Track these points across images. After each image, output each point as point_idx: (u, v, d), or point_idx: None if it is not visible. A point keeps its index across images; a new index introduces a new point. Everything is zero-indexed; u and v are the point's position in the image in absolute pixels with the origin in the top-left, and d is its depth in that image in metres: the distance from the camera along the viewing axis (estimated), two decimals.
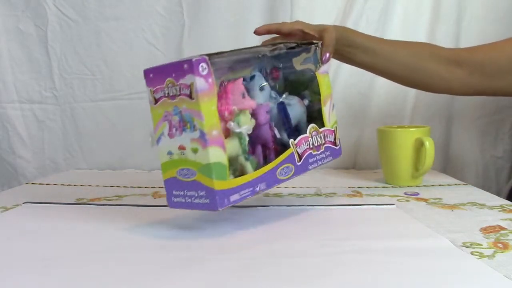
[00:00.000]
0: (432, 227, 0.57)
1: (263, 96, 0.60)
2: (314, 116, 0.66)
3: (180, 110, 0.52)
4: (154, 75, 0.54)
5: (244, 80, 0.59)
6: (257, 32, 0.73)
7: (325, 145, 0.65)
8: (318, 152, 0.64)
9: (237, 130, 0.55)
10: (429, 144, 0.77)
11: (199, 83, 0.50)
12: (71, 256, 0.50)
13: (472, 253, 0.48)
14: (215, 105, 0.52)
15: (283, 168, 0.59)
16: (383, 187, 0.82)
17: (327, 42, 0.69)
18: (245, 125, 0.56)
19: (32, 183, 0.91)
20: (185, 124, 0.52)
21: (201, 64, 0.50)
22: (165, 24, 1.04)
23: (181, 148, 0.52)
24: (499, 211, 0.64)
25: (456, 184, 0.83)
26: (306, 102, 0.66)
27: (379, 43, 0.78)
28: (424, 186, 0.81)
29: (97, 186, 0.87)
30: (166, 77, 0.52)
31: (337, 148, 0.68)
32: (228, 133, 0.55)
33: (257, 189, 0.56)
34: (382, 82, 0.96)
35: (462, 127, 1.03)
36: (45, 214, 0.67)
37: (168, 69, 0.52)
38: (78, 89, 1.07)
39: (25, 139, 1.09)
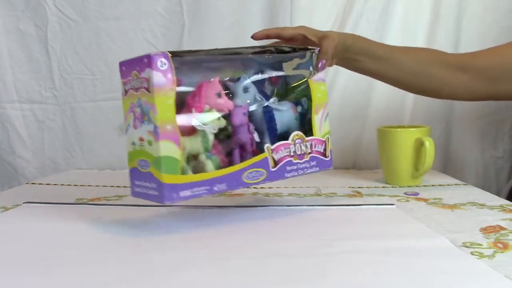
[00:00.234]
0: (432, 227, 0.57)
1: (246, 98, 0.60)
2: (306, 124, 0.65)
3: (141, 103, 0.53)
4: (125, 67, 0.56)
5: (231, 80, 0.60)
6: (254, 37, 0.71)
7: (311, 154, 0.64)
8: (301, 161, 0.62)
9: (200, 128, 0.56)
10: (429, 144, 0.77)
11: (156, 77, 0.51)
12: (71, 256, 0.50)
13: (472, 253, 0.48)
14: (172, 99, 0.53)
15: (251, 172, 0.58)
16: (383, 187, 0.82)
17: (324, 49, 0.68)
18: (210, 124, 0.57)
19: (32, 183, 0.91)
20: (143, 116, 0.53)
21: (160, 59, 0.52)
22: (165, 24, 1.04)
23: (141, 139, 0.54)
24: (499, 211, 0.64)
25: (456, 184, 0.83)
26: (299, 109, 0.65)
27: (389, 50, 0.78)
28: (424, 186, 0.81)
29: (97, 186, 0.87)
30: (132, 70, 0.54)
31: (326, 159, 0.65)
32: (192, 130, 0.56)
33: (215, 189, 0.56)
34: (382, 82, 0.96)
35: (462, 127, 1.03)
36: (45, 214, 0.67)
37: (134, 63, 0.54)
38: (78, 89, 1.07)
39: (25, 139, 1.09)
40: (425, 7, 1.00)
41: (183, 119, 0.54)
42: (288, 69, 0.66)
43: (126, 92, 0.56)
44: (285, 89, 0.66)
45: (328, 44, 0.69)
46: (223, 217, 0.64)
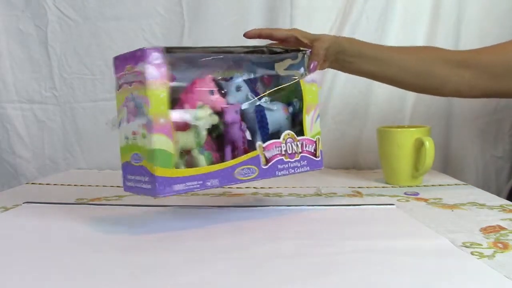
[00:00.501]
0: (432, 227, 0.57)
1: (238, 97, 0.61)
2: (297, 124, 0.65)
3: (135, 96, 0.54)
4: (119, 62, 0.56)
5: (223, 79, 0.60)
6: (246, 36, 0.72)
7: (302, 154, 0.64)
8: (292, 160, 0.63)
9: (192, 123, 0.56)
10: (429, 144, 0.77)
11: (149, 70, 0.52)
12: (71, 256, 0.50)
13: (472, 253, 0.48)
14: (165, 93, 0.53)
15: (243, 169, 0.59)
16: (383, 187, 0.82)
17: (315, 51, 0.69)
18: (203, 120, 0.57)
19: (32, 183, 0.91)
20: (137, 110, 0.54)
21: (153, 54, 0.53)
22: (165, 24, 1.04)
23: (134, 133, 0.55)
24: (499, 211, 0.64)
25: (456, 184, 0.83)
26: (290, 109, 0.65)
27: (383, 50, 0.78)
28: (424, 186, 0.81)
29: (97, 186, 0.87)
30: (126, 64, 0.55)
31: (317, 159, 0.66)
32: (185, 126, 0.56)
33: (208, 184, 0.56)
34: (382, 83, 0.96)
35: (462, 127, 1.03)
36: (45, 214, 0.67)
37: (128, 57, 0.55)
38: (78, 89, 1.07)
39: (25, 139, 1.09)
40: (425, 7, 1.00)
41: (176, 115, 0.55)
42: (279, 70, 0.67)
43: (119, 86, 0.57)
44: (276, 90, 0.66)
45: (320, 46, 0.70)
46: (223, 217, 0.64)
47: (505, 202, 0.69)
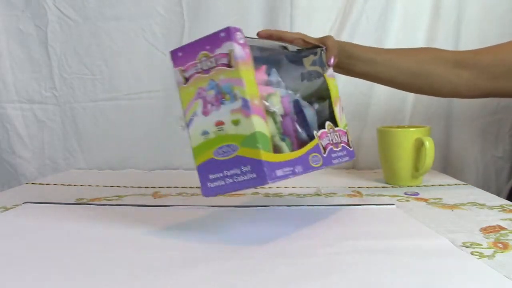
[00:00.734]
0: (432, 227, 0.57)
1: (281, 90, 0.59)
2: (322, 121, 0.64)
3: (217, 83, 0.50)
4: (183, 53, 0.52)
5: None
6: (259, 35, 0.72)
7: (341, 144, 0.64)
8: (338, 149, 0.63)
9: (272, 109, 0.53)
10: (429, 144, 0.77)
11: (238, 50, 0.49)
12: (71, 256, 0.50)
13: (472, 253, 0.48)
14: (253, 75, 0.50)
15: (314, 156, 0.57)
16: (383, 187, 0.82)
17: (330, 46, 0.70)
18: (278, 106, 0.55)
19: (32, 183, 0.91)
20: (223, 96, 0.49)
21: (237, 32, 0.50)
22: (165, 24, 1.04)
23: (219, 123, 0.50)
24: (499, 211, 0.64)
25: (456, 184, 0.83)
26: (316, 106, 0.65)
27: (379, 53, 0.79)
28: (424, 186, 0.81)
29: (97, 186, 0.87)
30: (199, 51, 0.50)
31: (351, 149, 0.66)
32: (266, 112, 0.52)
33: (296, 170, 0.53)
34: None
35: (462, 127, 1.03)
36: (45, 214, 0.67)
37: (200, 44, 0.51)
38: (78, 89, 1.07)
39: (25, 139, 1.09)
40: (425, 7, 1.00)
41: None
42: (307, 65, 0.66)
43: (187, 79, 0.52)
44: (304, 87, 0.66)
45: (331, 43, 0.71)
46: (222, 217, 0.64)
47: (505, 202, 0.69)
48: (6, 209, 0.69)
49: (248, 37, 0.54)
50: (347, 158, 0.65)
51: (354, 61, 0.77)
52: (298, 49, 0.66)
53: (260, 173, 0.48)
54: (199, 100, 0.51)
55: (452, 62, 0.78)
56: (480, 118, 1.02)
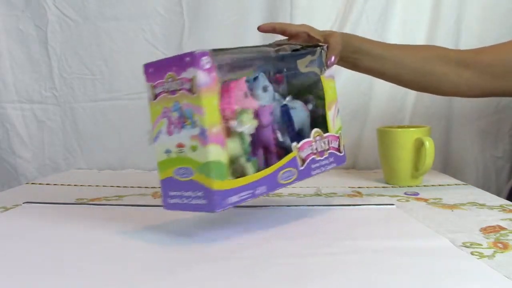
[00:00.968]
0: (432, 227, 0.57)
1: (267, 98, 0.58)
2: (318, 121, 0.64)
3: (181, 106, 0.50)
4: (154, 69, 0.53)
5: (247, 81, 0.57)
6: (261, 29, 0.71)
7: (329, 151, 0.64)
8: (322, 158, 0.62)
9: (239, 130, 0.53)
10: (429, 144, 0.77)
11: (201, 77, 0.49)
12: (71, 256, 0.50)
13: (472, 253, 0.48)
14: (216, 100, 0.50)
15: (284, 172, 0.57)
16: (383, 187, 0.82)
17: (332, 45, 0.68)
18: (247, 125, 0.54)
19: (32, 183, 0.91)
20: (185, 120, 0.50)
21: (203, 58, 0.49)
22: (165, 24, 1.04)
23: (180, 146, 0.50)
24: (499, 211, 0.64)
25: (456, 184, 0.83)
26: (310, 106, 0.64)
27: (387, 48, 0.78)
28: (424, 186, 0.81)
29: (97, 186, 0.87)
30: (167, 71, 0.51)
31: (341, 154, 0.66)
32: (229, 133, 0.52)
33: (257, 192, 0.53)
34: (382, 82, 0.96)
35: (462, 127, 1.03)
36: (45, 214, 0.67)
37: (169, 63, 0.51)
38: (78, 89, 1.07)
39: (25, 139, 1.09)
40: (425, 7, 1.00)
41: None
42: (301, 67, 0.65)
43: (155, 96, 0.52)
44: (297, 87, 0.65)
45: (335, 41, 0.69)
46: (222, 217, 0.64)
47: (505, 202, 0.69)
48: (6, 209, 0.69)
49: (238, 47, 0.54)
50: (333, 165, 0.64)
51: (362, 56, 0.75)
52: (293, 50, 0.63)
53: (211, 201, 0.49)
54: (164, 119, 0.52)
55: (453, 61, 0.77)
56: (480, 118, 1.02)
